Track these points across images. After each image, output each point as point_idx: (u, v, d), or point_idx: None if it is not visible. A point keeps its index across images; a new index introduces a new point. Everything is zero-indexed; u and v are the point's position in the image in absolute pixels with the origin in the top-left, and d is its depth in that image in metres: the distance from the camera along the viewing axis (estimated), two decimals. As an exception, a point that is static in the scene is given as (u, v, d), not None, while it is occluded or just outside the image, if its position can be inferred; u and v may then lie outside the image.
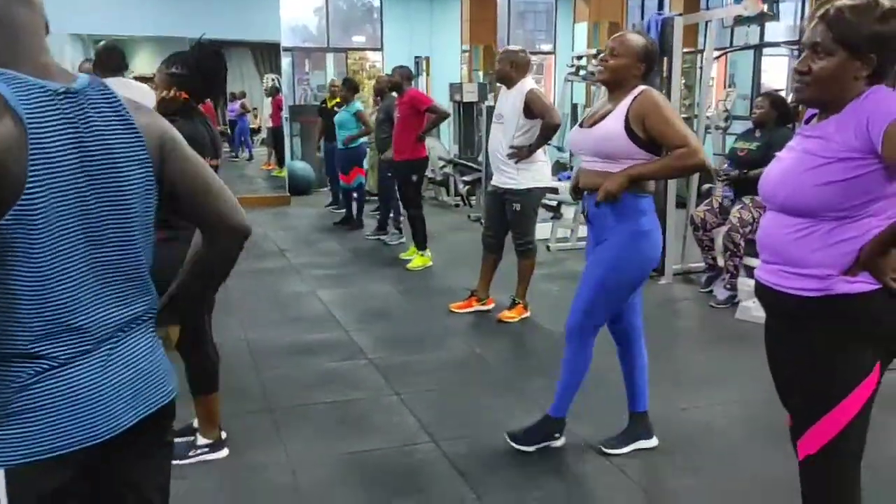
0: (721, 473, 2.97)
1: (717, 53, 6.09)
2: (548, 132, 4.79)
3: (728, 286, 5.25)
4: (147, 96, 4.50)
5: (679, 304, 5.43)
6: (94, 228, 1.26)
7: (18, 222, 1.16)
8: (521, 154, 4.77)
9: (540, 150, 4.87)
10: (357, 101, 8.35)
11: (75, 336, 1.26)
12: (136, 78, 4.89)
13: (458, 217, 8.94)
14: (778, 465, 2.99)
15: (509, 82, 4.90)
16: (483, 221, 8.40)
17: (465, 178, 9.32)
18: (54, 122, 1.21)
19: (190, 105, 2.80)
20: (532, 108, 4.76)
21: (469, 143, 10.12)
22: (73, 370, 1.26)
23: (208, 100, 3.03)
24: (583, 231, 7.44)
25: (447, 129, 10.66)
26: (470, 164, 9.56)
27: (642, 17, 7.63)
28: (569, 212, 7.38)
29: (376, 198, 9.20)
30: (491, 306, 5.16)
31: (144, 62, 12.78)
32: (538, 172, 4.88)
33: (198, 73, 2.81)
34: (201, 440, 3.03)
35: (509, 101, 4.89)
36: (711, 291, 5.53)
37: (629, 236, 2.86)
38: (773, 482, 2.87)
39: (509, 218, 4.94)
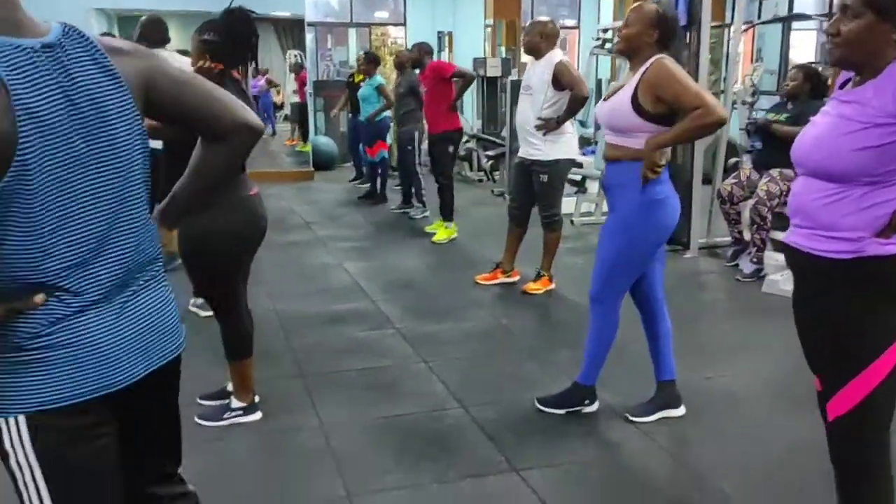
0: (748, 440, 2.99)
1: (745, 27, 6.01)
2: (576, 104, 4.78)
3: (754, 259, 5.24)
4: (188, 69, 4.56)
5: (705, 278, 5.42)
6: (92, 182, 1.27)
7: (14, 183, 1.17)
8: (550, 126, 4.77)
9: (568, 123, 4.87)
10: (378, 75, 8.35)
11: (85, 288, 1.27)
12: (178, 51, 4.92)
13: (481, 192, 8.94)
14: (804, 432, 3.02)
15: (538, 53, 4.89)
16: (508, 194, 8.44)
17: (489, 153, 9.31)
18: (36, 80, 1.19)
19: (224, 73, 2.84)
20: (560, 79, 4.75)
21: (492, 118, 10.08)
22: (85, 320, 1.28)
23: (237, 71, 3.06)
24: (607, 205, 7.43)
25: (470, 104, 10.64)
26: (493, 138, 9.54)
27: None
28: (593, 186, 7.36)
29: (398, 172, 9.26)
30: (516, 278, 5.19)
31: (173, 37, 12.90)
32: (566, 144, 4.88)
33: (228, 38, 2.84)
34: (235, 403, 3.10)
35: (537, 73, 4.88)
36: (737, 265, 5.51)
37: (643, 205, 2.87)
38: (800, 449, 2.90)
39: (536, 189, 4.95)
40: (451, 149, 6.56)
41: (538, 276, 5.04)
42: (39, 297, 1.23)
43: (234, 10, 2.90)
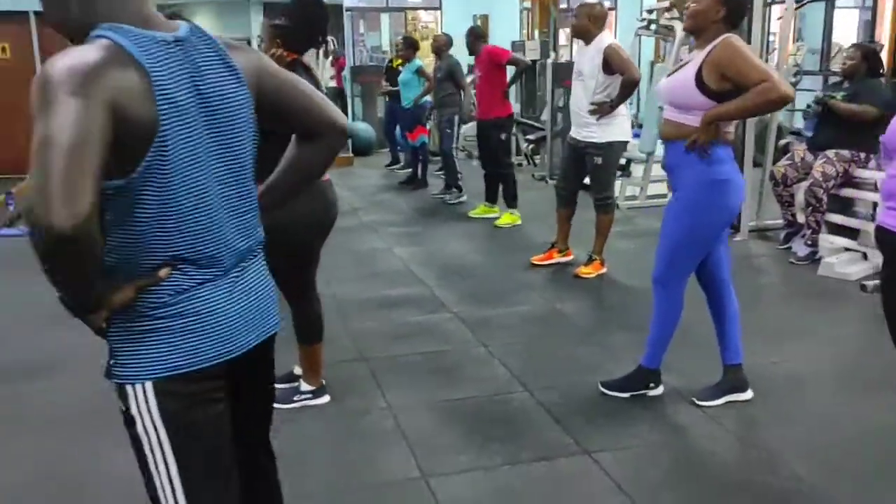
0: (818, 424, 2.98)
1: (796, 5, 5.91)
2: (628, 87, 4.77)
3: (809, 242, 5.17)
4: None
5: (758, 261, 5.37)
6: (215, 165, 1.36)
7: (154, 161, 1.25)
8: (603, 110, 4.77)
9: (621, 107, 4.86)
10: (417, 58, 8.35)
11: (206, 264, 1.36)
12: None
13: (522, 176, 8.86)
14: (875, 415, 3.02)
15: (587, 36, 4.88)
16: (550, 178, 8.43)
17: (529, 137, 9.27)
18: (172, 70, 1.28)
19: (296, 61, 2.86)
20: (611, 63, 4.74)
21: (531, 101, 10.03)
22: (207, 292, 1.36)
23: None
24: (652, 189, 7.38)
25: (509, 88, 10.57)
26: (533, 122, 9.49)
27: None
28: (638, 170, 7.31)
29: (439, 157, 9.26)
30: (570, 257, 5.24)
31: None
32: (619, 127, 4.88)
33: (301, 22, 2.86)
34: (305, 386, 3.15)
35: (588, 58, 4.88)
36: (790, 248, 5.45)
37: (706, 185, 2.86)
38: (872, 432, 2.89)
39: (589, 172, 4.97)
40: (502, 136, 6.56)
41: (590, 260, 5.04)
42: (164, 272, 1.32)
43: None
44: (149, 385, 1.33)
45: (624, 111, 4.93)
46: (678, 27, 6.78)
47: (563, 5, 11.90)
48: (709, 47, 2.79)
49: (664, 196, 7.48)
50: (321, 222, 2.90)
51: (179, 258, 1.32)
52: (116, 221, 1.28)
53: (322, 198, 2.86)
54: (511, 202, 6.59)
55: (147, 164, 1.25)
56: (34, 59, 9.36)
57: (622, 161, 7.19)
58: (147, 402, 1.34)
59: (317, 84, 2.94)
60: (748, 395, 3.16)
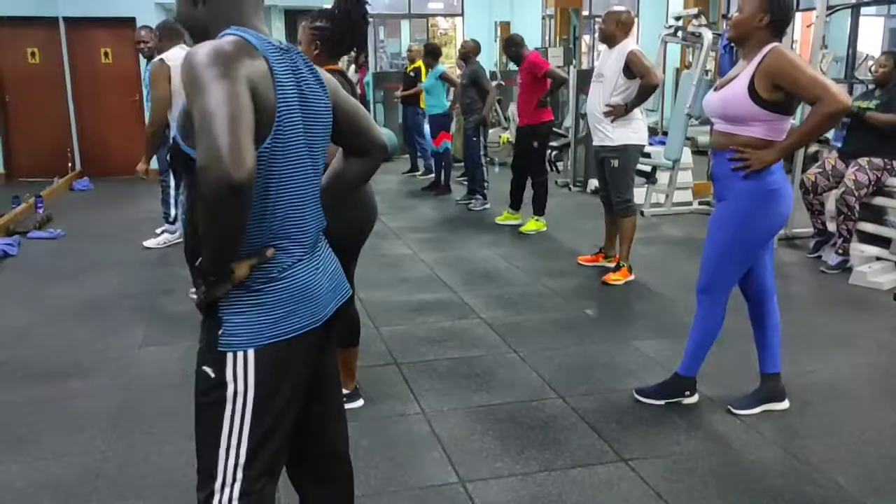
0: (858, 434, 2.94)
1: (828, 12, 5.87)
2: (646, 91, 4.84)
3: (840, 251, 5.13)
4: None
5: (788, 269, 5.32)
6: (307, 159, 1.56)
7: (274, 144, 1.45)
8: (618, 111, 4.85)
9: (637, 109, 4.93)
10: (440, 64, 8.38)
11: (299, 242, 1.55)
12: None
13: (544, 183, 8.90)
14: (916, 427, 2.98)
15: (613, 41, 4.95)
16: (575, 185, 8.43)
17: (553, 144, 9.25)
18: (285, 69, 1.50)
19: (335, 70, 2.88)
20: (632, 67, 4.82)
21: (555, 108, 10.00)
22: (301, 269, 1.55)
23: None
24: (677, 196, 7.36)
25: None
26: (556, 129, 9.47)
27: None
28: (663, 177, 7.28)
29: (461, 163, 9.28)
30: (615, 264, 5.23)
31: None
32: (634, 130, 4.93)
33: (344, 26, 2.86)
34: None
35: (611, 60, 4.95)
36: (820, 256, 5.41)
37: (756, 195, 2.83)
38: (916, 443, 2.85)
39: (607, 175, 5.02)
40: (535, 144, 6.57)
41: (618, 267, 5.03)
42: (270, 251, 1.49)
43: None
44: (251, 352, 1.49)
45: (640, 115, 4.99)
46: (706, 34, 6.76)
47: (585, 12, 11.90)
48: (758, 57, 2.76)
49: (689, 204, 7.46)
50: (364, 225, 2.93)
51: (285, 237, 1.51)
52: None
53: (367, 202, 2.90)
54: (539, 210, 6.60)
55: (269, 144, 1.44)
56: (63, 64, 9.47)
57: (647, 168, 7.20)
58: (246, 366, 1.49)
59: (353, 90, 2.96)
60: (785, 404, 3.13)
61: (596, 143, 5.08)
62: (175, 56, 4.67)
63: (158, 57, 4.55)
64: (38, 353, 3.86)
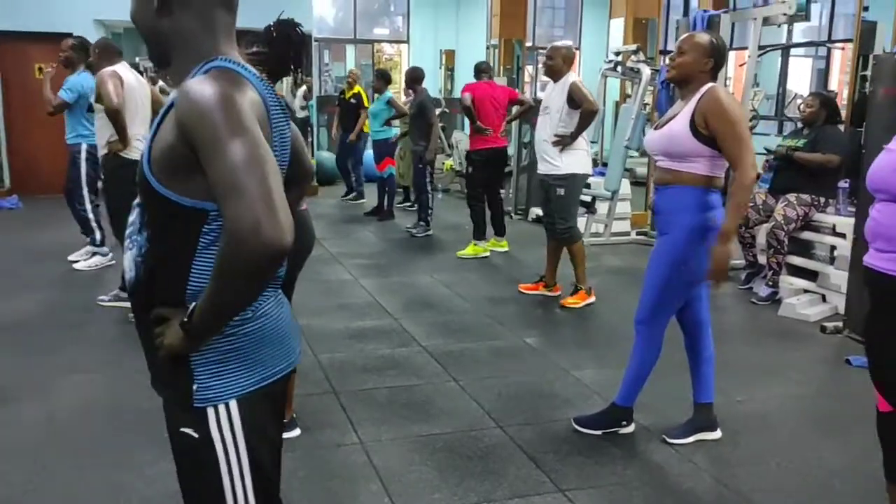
0: (784, 465, 3.02)
1: (759, 52, 6.11)
2: (586, 117, 5.01)
3: (770, 283, 5.29)
4: (144, 85, 4.70)
5: (720, 301, 5.46)
6: None
7: None
8: (565, 142, 5.00)
9: (582, 139, 5.09)
10: (388, 91, 8.43)
11: (275, 279, 1.42)
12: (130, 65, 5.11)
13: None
14: (836, 454, 3.08)
15: (558, 75, 5.12)
16: (515, 213, 8.52)
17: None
18: (272, 102, 1.37)
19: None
20: (573, 96, 5.00)
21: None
22: (273, 307, 1.42)
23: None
24: (616, 226, 7.50)
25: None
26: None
27: (685, 14, 7.66)
28: (602, 207, 7.42)
29: (403, 189, 9.32)
30: (558, 293, 5.32)
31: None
32: (579, 160, 5.08)
33: (283, 48, 2.84)
34: None
35: (555, 93, 5.11)
36: (751, 288, 5.57)
37: (697, 230, 2.91)
38: (834, 470, 2.95)
39: (552, 202, 5.12)
40: (470, 169, 6.68)
41: (575, 290, 5.16)
42: None
43: (283, 20, 2.91)
44: (233, 403, 1.35)
45: (584, 146, 5.14)
46: (644, 69, 6.95)
47: (528, 44, 12.12)
48: (696, 96, 2.87)
49: (627, 234, 7.61)
50: (300, 250, 2.88)
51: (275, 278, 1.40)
52: (213, 243, 1.31)
53: (302, 227, 2.85)
54: (479, 236, 6.67)
55: None
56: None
57: (588, 198, 7.32)
58: (231, 420, 1.35)
59: (293, 116, 2.94)
60: (717, 434, 3.19)
61: (542, 171, 5.20)
62: (123, 72, 4.58)
63: (110, 68, 4.46)
64: (-43, 379, 3.68)
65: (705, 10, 6.02)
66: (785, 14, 5.59)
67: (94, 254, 5.96)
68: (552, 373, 3.95)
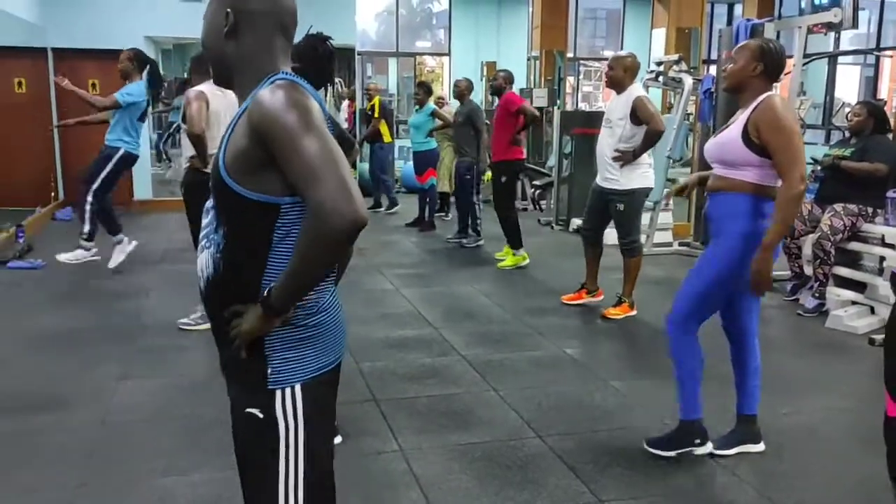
0: (828, 480, 2.96)
1: (805, 61, 6.03)
2: (651, 137, 4.92)
3: (816, 294, 5.20)
4: (227, 96, 4.86)
5: (766, 312, 5.37)
6: None
7: None
8: (626, 158, 4.92)
9: (644, 154, 5.00)
10: (430, 102, 8.51)
11: (332, 275, 1.57)
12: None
13: (527, 221, 8.96)
14: (884, 470, 2.99)
15: (620, 87, 5.04)
16: (557, 223, 8.50)
17: (536, 183, 9.37)
18: (325, 113, 1.50)
19: None
20: (638, 113, 4.90)
21: (538, 147, 10.16)
22: (333, 302, 1.56)
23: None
24: (658, 237, 7.44)
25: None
26: (539, 168, 9.59)
27: (728, 23, 7.59)
28: (644, 218, 7.36)
29: (456, 201, 9.37)
30: (600, 298, 5.33)
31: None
32: (641, 175, 5.02)
33: (313, 62, 2.91)
34: None
35: (619, 107, 5.02)
36: (797, 300, 5.48)
37: (749, 237, 2.85)
38: (881, 486, 2.85)
39: (613, 217, 5.11)
40: (502, 179, 6.67)
41: (619, 302, 5.15)
42: None
43: (315, 35, 2.99)
44: (297, 387, 1.49)
45: (647, 160, 5.06)
46: (686, 79, 6.91)
47: (570, 55, 12.12)
48: (752, 104, 2.84)
49: (669, 244, 7.54)
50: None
51: (330, 274, 1.53)
52: (287, 236, 1.45)
53: None
54: (516, 244, 6.66)
55: None
56: (50, 94, 9.49)
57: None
58: (294, 402, 1.48)
59: (337, 127, 3.01)
60: (761, 447, 3.15)
61: (602, 184, 5.11)
62: (210, 90, 4.74)
63: (198, 88, 4.62)
64: (14, 385, 3.82)
65: (749, 19, 5.96)
66: (830, 22, 5.51)
67: (79, 247, 6.33)
68: (592, 383, 3.94)
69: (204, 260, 1.53)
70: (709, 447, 3.08)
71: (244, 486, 1.60)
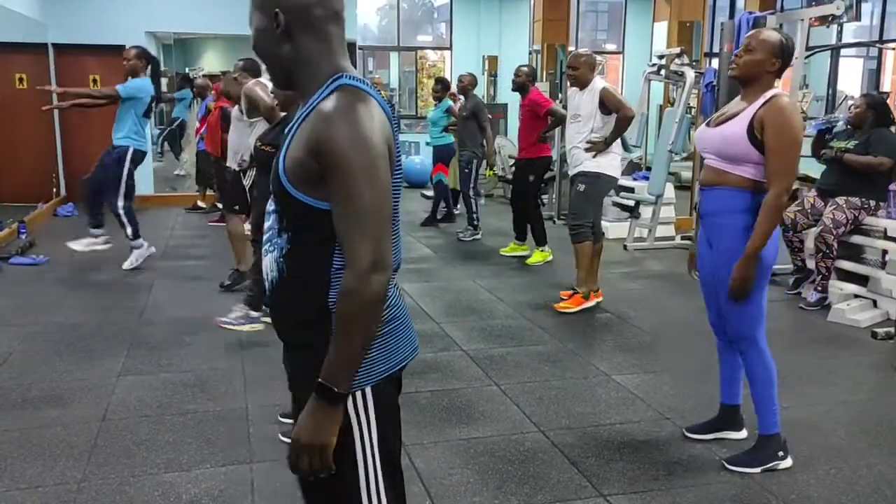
0: (831, 471, 2.96)
1: (807, 53, 6.00)
2: (622, 124, 5.01)
3: (819, 288, 5.19)
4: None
5: (768, 306, 5.37)
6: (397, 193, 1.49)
7: (393, 188, 1.42)
8: (598, 147, 5.00)
9: (616, 145, 5.07)
10: (448, 98, 8.48)
11: (396, 273, 1.49)
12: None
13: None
14: (886, 462, 3.03)
15: (585, 84, 5.11)
16: (559, 218, 8.50)
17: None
18: (388, 110, 1.44)
19: None
20: (607, 104, 4.99)
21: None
22: (400, 299, 1.53)
23: None
24: (660, 231, 7.43)
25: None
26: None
27: (730, 16, 7.56)
28: (646, 212, 7.36)
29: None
30: (600, 299, 5.28)
31: (213, 60, 13.16)
32: (610, 163, 5.08)
33: None
34: None
35: (585, 101, 5.08)
36: (799, 293, 5.47)
37: (748, 230, 2.79)
38: (884, 478, 2.90)
39: (571, 198, 5.17)
40: (531, 177, 6.70)
41: (573, 293, 5.14)
42: None
43: None
44: (368, 390, 1.44)
45: (617, 150, 5.11)
46: (688, 73, 6.89)
47: (571, 48, 12.09)
48: (759, 101, 2.77)
49: (672, 238, 7.54)
50: None
51: (394, 271, 1.44)
52: None
53: None
54: (541, 241, 6.70)
55: (394, 179, 1.42)
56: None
57: (631, 203, 7.28)
58: (365, 405, 1.44)
59: None
60: (742, 434, 3.19)
61: (571, 171, 5.23)
62: (266, 82, 4.78)
63: (254, 80, 4.63)
64: (16, 380, 3.82)
65: (751, 12, 5.94)
66: (833, 15, 5.48)
67: (132, 248, 6.28)
68: (594, 378, 3.94)
69: (268, 264, 1.49)
70: (789, 461, 3.00)
71: (312, 492, 1.54)
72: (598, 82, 5.08)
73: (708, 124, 3.00)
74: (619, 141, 5.14)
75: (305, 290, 1.44)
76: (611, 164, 5.08)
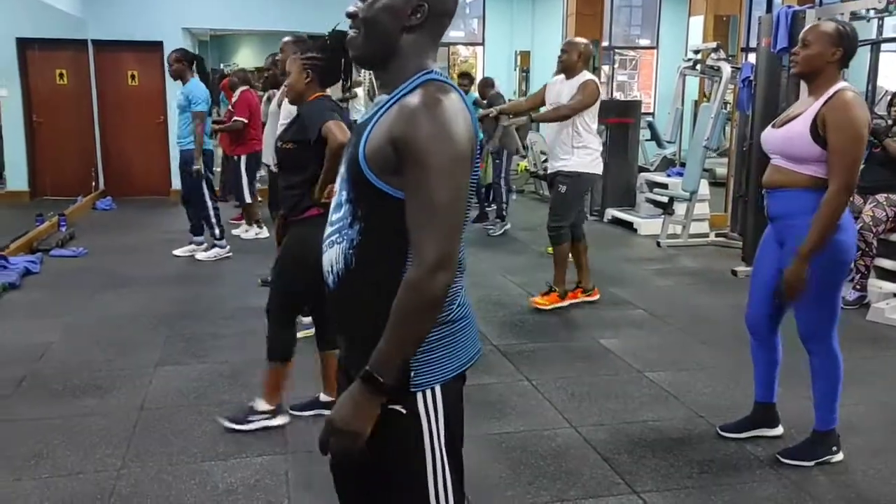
0: (871, 471, 2.92)
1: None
2: (567, 112, 4.82)
3: (858, 287, 5.10)
4: None
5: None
6: None
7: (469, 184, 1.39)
8: (558, 113, 4.87)
9: (595, 141, 4.95)
10: (473, 91, 8.49)
11: (462, 272, 1.46)
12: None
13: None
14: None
15: (572, 72, 4.94)
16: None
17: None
18: (468, 105, 1.41)
19: (325, 96, 3.06)
20: (583, 90, 4.81)
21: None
22: (466, 298, 1.49)
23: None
24: (694, 228, 7.35)
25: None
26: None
27: (768, 10, 7.44)
28: (680, 208, 7.29)
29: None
30: (596, 297, 5.24)
31: (248, 56, 13.29)
32: (591, 161, 4.94)
33: (335, 56, 2.94)
34: (262, 405, 3.23)
35: (568, 90, 4.91)
36: (838, 292, 5.38)
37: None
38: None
39: (552, 199, 5.08)
40: None
41: (549, 291, 5.09)
42: None
43: (338, 31, 3.02)
44: (437, 388, 1.43)
45: (595, 145, 4.96)
46: (725, 67, 6.80)
47: (605, 43, 11.99)
48: (824, 97, 2.69)
49: (706, 235, 7.45)
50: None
51: (461, 270, 1.42)
52: None
53: None
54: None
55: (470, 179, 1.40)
56: (91, 85, 9.67)
57: (665, 199, 7.21)
58: (435, 403, 1.43)
59: (342, 113, 3.03)
60: (779, 430, 3.17)
61: (551, 167, 5.12)
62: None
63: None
64: (57, 370, 3.91)
65: (790, 6, 5.84)
66: (874, 8, 5.37)
67: (214, 246, 6.42)
68: (626, 374, 3.92)
69: (334, 255, 1.46)
70: (841, 455, 2.98)
71: (376, 491, 1.51)
72: (586, 74, 4.91)
73: (773, 125, 2.92)
74: (596, 135, 4.99)
75: (375, 284, 1.40)
76: (592, 162, 4.95)
